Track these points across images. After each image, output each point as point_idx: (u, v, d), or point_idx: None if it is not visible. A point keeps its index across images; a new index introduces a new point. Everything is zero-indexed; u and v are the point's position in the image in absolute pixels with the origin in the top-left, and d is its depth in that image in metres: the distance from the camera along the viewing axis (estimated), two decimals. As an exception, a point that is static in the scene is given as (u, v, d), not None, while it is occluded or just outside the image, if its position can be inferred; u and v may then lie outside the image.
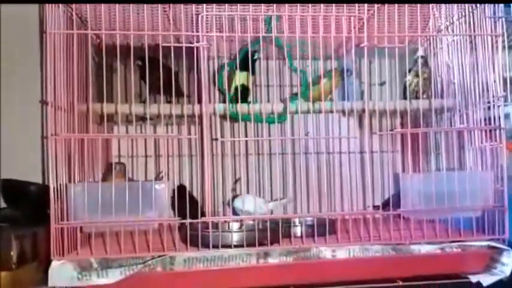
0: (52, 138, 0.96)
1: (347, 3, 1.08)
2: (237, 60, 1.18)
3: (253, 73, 1.27)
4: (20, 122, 1.41)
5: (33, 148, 1.38)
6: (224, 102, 1.20)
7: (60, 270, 0.93)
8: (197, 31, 1.03)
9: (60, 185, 0.96)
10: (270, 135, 1.35)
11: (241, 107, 1.15)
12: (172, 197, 1.12)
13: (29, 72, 1.39)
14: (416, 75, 1.28)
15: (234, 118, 1.19)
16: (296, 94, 1.28)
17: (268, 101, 1.38)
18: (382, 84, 1.42)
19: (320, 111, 1.24)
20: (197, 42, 1.03)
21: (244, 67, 1.22)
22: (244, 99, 1.23)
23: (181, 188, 1.23)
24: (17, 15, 1.39)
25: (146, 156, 1.39)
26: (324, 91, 1.19)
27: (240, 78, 1.22)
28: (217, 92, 1.38)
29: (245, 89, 1.24)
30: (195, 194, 1.36)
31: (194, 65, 1.03)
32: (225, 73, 1.20)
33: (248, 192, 1.32)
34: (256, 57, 1.23)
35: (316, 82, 1.27)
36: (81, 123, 1.05)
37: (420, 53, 1.32)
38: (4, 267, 1.01)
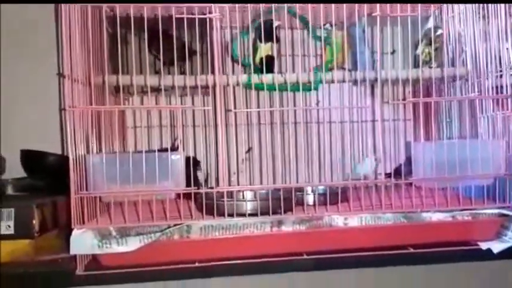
0: (70, 110, 0.97)
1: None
2: (251, 30, 1.18)
3: (278, 41, 1.27)
4: (38, 95, 1.43)
5: (52, 120, 1.41)
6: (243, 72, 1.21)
7: (81, 238, 0.96)
8: (210, 2, 1.03)
9: (78, 155, 0.98)
10: (282, 106, 1.36)
11: (266, 78, 1.16)
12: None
13: (47, 45, 1.41)
14: (429, 45, 1.27)
15: (258, 88, 1.20)
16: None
17: (293, 71, 1.37)
18: (392, 52, 1.42)
19: (332, 81, 1.24)
20: (210, 13, 1.03)
21: (267, 38, 1.22)
22: (270, 69, 1.24)
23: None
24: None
25: (161, 126, 1.40)
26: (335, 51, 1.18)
27: (264, 49, 1.23)
28: (230, 63, 1.38)
29: (270, 59, 1.24)
30: (209, 163, 1.38)
31: (207, 36, 1.04)
32: (238, 43, 1.20)
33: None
34: (275, 25, 1.22)
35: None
36: (98, 95, 1.06)
37: (431, 24, 1.31)
38: (27, 235, 1.05)
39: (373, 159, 1.32)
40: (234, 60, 1.36)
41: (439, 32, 1.27)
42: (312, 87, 1.22)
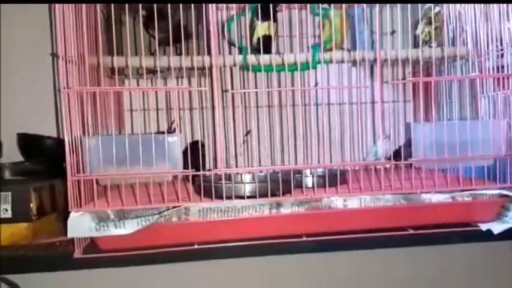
0: (64, 91, 0.96)
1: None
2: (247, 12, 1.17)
3: (275, 20, 1.25)
4: (33, 76, 1.42)
5: (48, 102, 1.40)
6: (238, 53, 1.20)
7: (79, 221, 0.95)
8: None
9: (74, 138, 0.97)
10: (280, 87, 1.35)
11: (263, 58, 1.14)
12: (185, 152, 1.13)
13: (40, 26, 1.39)
14: (428, 24, 1.26)
15: (255, 70, 1.19)
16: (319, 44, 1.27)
17: (291, 51, 1.35)
18: (392, 33, 1.40)
19: (331, 61, 1.23)
20: (206, -8, 1.02)
21: (264, 17, 1.20)
22: (268, 50, 1.22)
23: (194, 143, 1.24)
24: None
25: (158, 109, 1.39)
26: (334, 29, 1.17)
27: (261, 28, 1.21)
28: (226, 44, 1.37)
29: (268, 39, 1.23)
30: (206, 146, 1.38)
31: (203, 16, 1.02)
32: (235, 25, 1.18)
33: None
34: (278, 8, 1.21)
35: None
36: (93, 77, 1.05)
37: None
38: (24, 219, 1.04)
39: (384, 139, 1.31)
40: (230, 43, 1.34)
41: (437, 9, 1.26)
42: (310, 66, 1.20)
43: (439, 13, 1.26)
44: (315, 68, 1.24)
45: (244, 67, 1.23)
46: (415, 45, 1.28)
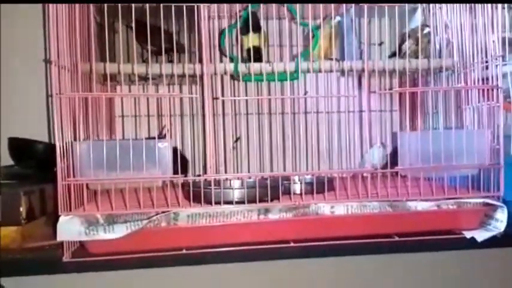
0: (57, 97, 0.97)
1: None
2: (239, 23, 1.19)
3: (259, 30, 1.27)
4: (25, 82, 1.43)
5: (39, 107, 1.40)
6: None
7: (68, 225, 0.96)
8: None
9: (65, 143, 0.98)
10: (270, 95, 1.37)
11: (254, 67, 1.16)
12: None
13: (33, 32, 1.40)
14: (415, 44, 1.27)
15: (246, 80, 1.20)
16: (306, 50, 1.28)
17: (281, 60, 1.37)
18: (380, 44, 1.43)
19: (320, 71, 1.25)
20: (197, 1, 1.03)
21: (254, 29, 1.22)
22: (258, 60, 1.24)
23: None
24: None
25: (149, 115, 1.40)
26: (323, 43, 1.19)
27: (251, 40, 1.23)
28: (217, 52, 1.39)
29: (257, 50, 1.25)
30: (196, 152, 1.39)
31: (195, 25, 1.04)
32: (227, 36, 1.19)
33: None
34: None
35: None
36: (85, 83, 1.06)
37: (419, 18, 1.31)
38: (14, 223, 1.05)
39: (379, 147, 1.33)
40: (223, 54, 1.36)
41: (427, 30, 1.28)
42: (299, 72, 1.22)
43: (428, 34, 1.28)
44: (303, 74, 1.25)
45: (235, 76, 1.24)
46: (401, 55, 1.31)
